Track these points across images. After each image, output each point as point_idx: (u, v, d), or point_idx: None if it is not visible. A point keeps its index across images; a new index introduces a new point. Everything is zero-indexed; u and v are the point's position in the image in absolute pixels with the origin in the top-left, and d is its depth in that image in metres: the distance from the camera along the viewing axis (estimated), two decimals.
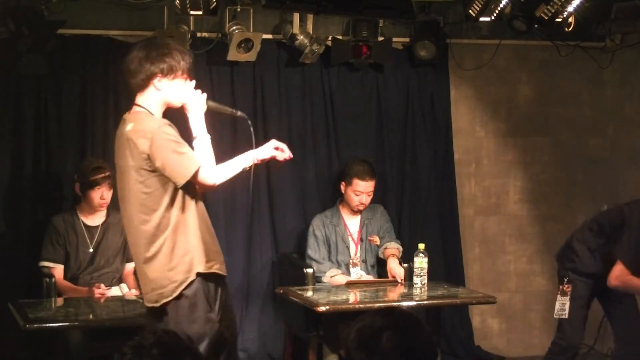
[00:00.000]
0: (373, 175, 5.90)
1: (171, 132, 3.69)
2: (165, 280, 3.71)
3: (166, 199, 3.69)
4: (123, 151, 3.74)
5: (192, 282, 3.72)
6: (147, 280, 3.77)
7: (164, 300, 3.72)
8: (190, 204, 3.74)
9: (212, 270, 3.78)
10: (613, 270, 4.84)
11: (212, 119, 3.92)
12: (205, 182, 3.71)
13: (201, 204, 3.81)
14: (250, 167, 3.85)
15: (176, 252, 3.71)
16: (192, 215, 3.74)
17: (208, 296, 3.77)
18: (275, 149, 3.91)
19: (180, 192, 3.70)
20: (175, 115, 3.87)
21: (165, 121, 3.74)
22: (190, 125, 3.80)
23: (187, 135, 3.77)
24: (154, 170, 3.66)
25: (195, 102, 3.80)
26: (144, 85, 3.79)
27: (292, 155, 3.98)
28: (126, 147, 3.71)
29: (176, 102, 3.82)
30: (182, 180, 3.66)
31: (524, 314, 6.98)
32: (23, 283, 5.65)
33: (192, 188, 3.73)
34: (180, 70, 3.78)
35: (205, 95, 3.84)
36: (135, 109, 3.81)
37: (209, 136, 3.78)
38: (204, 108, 3.82)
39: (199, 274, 3.73)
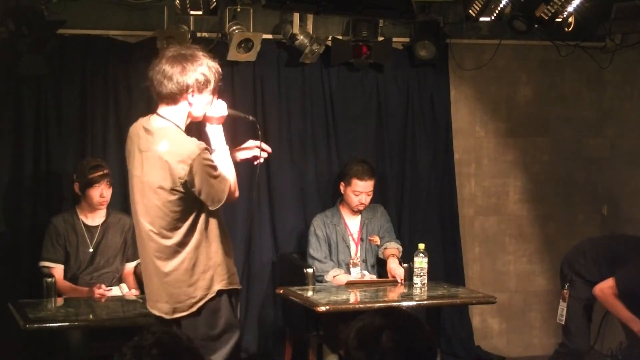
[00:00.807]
0: (372, 175, 5.90)
1: (209, 157, 3.62)
2: (183, 295, 3.70)
3: (192, 218, 3.66)
4: (153, 169, 3.62)
5: (212, 298, 3.72)
6: (162, 293, 3.74)
7: (179, 315, 3.72)
8: (213, 221, 3.71)
9: (232, 287, 3.79)
10: (603, 282, 5.05)
11: None
12: (233, 198, 3.73)
13: (221, 218, 3.79)
14: (256, 167, 3.88)
15: (197, 269, 3.69)
16: (214, 232, 3.72)
17: (230, 306, 3.79)
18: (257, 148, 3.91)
19: (205, 211, 3.67)
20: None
21: (203, 145, 3.62)
22: (209, 136, 3.75)
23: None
24: (187, 192, 3.60)
25: (218, 113, 3.74)
26: (174, 98, 3.63)
27: (269, 150, 3.98)
28: (157, 166, 3.60)
29: (201, 115, 3.73)
30: (217, 205, 3.65)
31: (524, 314, 6.97)
32: (23, 283, 5.65)
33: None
34: (213, 84, 3.67)
35: (225, 103, 3.79)
36: (159, 120, 3.67)
37: (227, 147, 3.76)
38: (225, 116, 3.77)
39: (220, 291, 3.73)
